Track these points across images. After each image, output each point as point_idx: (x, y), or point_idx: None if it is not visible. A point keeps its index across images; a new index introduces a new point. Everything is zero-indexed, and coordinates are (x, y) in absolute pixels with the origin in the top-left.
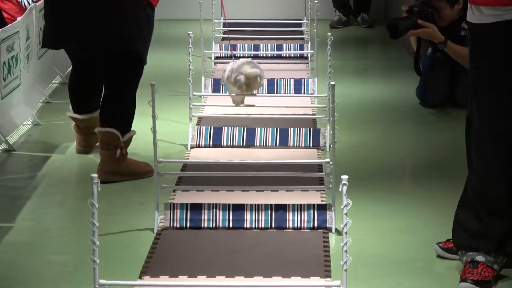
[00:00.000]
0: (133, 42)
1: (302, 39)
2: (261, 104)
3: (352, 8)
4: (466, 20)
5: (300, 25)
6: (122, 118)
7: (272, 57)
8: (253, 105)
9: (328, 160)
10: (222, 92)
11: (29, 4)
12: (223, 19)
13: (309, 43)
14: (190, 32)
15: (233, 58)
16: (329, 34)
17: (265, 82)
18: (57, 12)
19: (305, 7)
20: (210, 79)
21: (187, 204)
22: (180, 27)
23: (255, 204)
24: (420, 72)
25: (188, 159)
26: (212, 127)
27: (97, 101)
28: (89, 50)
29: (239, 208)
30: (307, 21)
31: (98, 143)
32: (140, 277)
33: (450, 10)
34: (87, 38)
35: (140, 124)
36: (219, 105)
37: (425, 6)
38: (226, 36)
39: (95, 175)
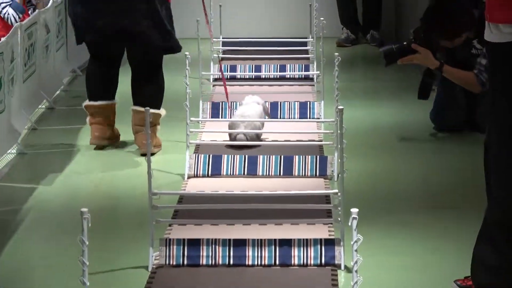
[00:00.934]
0: (172, 37)
1: (307, 59)
2: (264, 130)
3: (361, 25)
4: (480, 39)
5: (305, 43)
6: (159, 98)
7: (275, 79)
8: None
9: (336, 190)
10: (222, 117)
11: (15, 21)
12: (212, 39)
13: (315, 63)
14: (187, 53)
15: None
16: (337, 53)
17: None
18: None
19: (310, 25)
20: (208, 103)
21: (184, 239)
22: None
23: (257, 239)
24: (424, 95)
25: (185, 190)
26: (210, 155)
27: (114, 88)
28: (135, 44)
29: (240, 244)
30: (312, 39)
31: (134, 121)
32: None
33: (451, 43)
34: (134, 32)
35: (133, 152)
36: (219, 131)
37: (424, 32)
38: (218, 56)
39: (85, 209)
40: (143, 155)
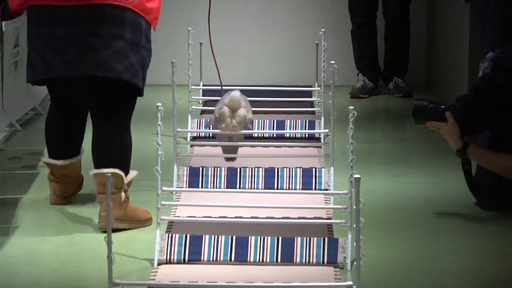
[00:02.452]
0: (135, 72)
1: (313, 113)
2: (256, 204)
3: (381, 71)
4: None
5: (309, 94)
6: (123, 157)
7: (271, 138)
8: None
9: (350, 283)
10: (202, 187)
11: None
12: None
13: (322, 119)
14: (158, 104)
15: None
16: (351, 107)
17: (251, 118)
18: (50, 41)
19: (317, 69)
20: (185, 168)
21: None
22: (145, 95)
23: None
24: (474, 188)
25: (154, 280)
26: (188, 236)
27: (78, 145)
28: (85, 77)
29: None
30: (319, 88)
31: (96, 189)
32: None
33: None
34: (85, 63)
35: (90, 232)
36: (198, 205)
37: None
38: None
39: None
40: (104, 231)
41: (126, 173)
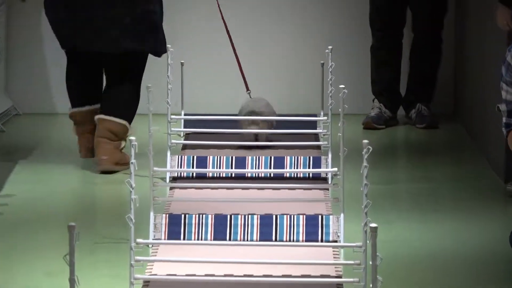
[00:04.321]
0: (149, 40)
1: (318, 148)
2: (250, 259)
3: (402, 97)
4: None
5: (314, 124)
6: (131, 110)
7: (268, 179)
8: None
9: None
10: (185, 238)
11: None
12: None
13: (330, 156)
14: (132, 138)
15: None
16: (365, 141)
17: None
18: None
19: (322, 95)
20: (163, 215)
21: None
22: None
23: None
24: None
25: None
26: None
27: (99, 92)
28: (108, 47)
29: None
30: (325, 118)
31: (97, 132)
32: None
33: None
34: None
35: None
36: (180, 261)
37: None
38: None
39: None
40: (103, 172)
41: (130, 123)
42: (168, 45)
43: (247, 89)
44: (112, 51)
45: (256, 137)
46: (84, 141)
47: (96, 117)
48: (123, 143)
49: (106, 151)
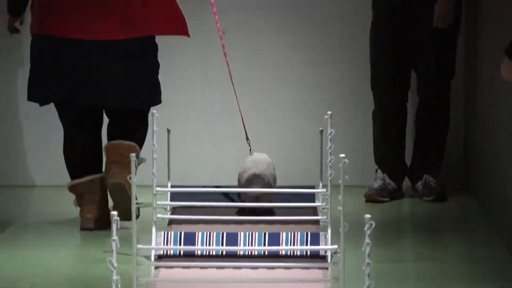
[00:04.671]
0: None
1: (317, 222)
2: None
3: (407, 167)
4: None
5: (312, 197)
6: (140, 133)
7: (262, 257)
8: None
9: None
10: None
11: None
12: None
13: (329, 231)
14: (113, 213)
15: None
16: (368, 215)
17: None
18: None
19: (321, 165)
20: None
21: None
22: None
23: None
24: None
25: None
26: None
27: (100, 161)
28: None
29: None
30: (324, 190)
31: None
32: None
33: None
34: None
35: None
36: None
37: None
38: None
39: None
40: (114, 184)
41: (140, 146)
42: (153, 111)
43: (248, 141)
44: (116, 107)
45: (257, 199)
46: (87, 211)
47: (105, 145)
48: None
49: (119, 174)
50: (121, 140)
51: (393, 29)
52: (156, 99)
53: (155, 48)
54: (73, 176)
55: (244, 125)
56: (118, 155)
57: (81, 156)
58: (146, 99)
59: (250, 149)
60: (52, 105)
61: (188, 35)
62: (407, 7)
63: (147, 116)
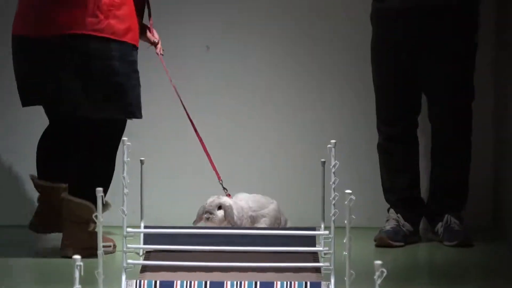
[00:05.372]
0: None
1: (318, 270)
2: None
3: (424, 204)
4: None
5: (312, 240)
6: (102, 185)
7: None
8: None
9: None
10: None
11: None
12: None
13: (333, 281)
14: (76, 257)
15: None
16: (378, 262)
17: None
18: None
19: (323, 203)
20: None
21: None
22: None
23: None
24: None
25: None
26: None
27: (65, 171)
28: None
29: None
30: (327, 232)
31: (65, 214)
32: None
33: None
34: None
35: None
36: None
37: None
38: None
39: None
40: (64, 257)
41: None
42: (124, 138)
43: (219, 178)
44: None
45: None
46: (41, 213)
47: (62, 195)
48: (91, 226)
49: (69, 234)
50: (77, 197)
51: (394, 44)
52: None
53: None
54: (40, 175)
55: (213, 164)
56: (71, 213)
57: (51, 159)
58: (117, 108)
59: (225, 190)
60: None
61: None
62: (409, 19)
63: (116, 151)
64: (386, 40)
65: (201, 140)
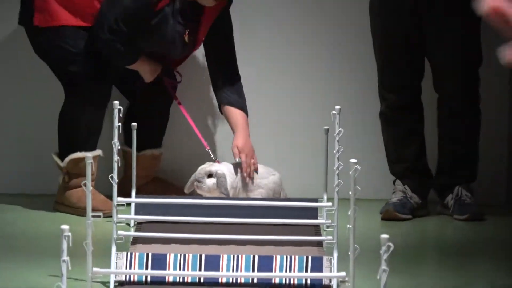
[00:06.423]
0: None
1: (319, 244)
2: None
3: (433, 175)
4: None
5: (314, 212)
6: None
7: (249, 286)
8: None
9: None
10: None
11: None
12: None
13: (335, 256)
14: (64, 227)
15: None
16: (384, 236)
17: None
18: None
19: (326, 173)
20: None
21: None
22: (46, 216)
23: None
24: None
25: None
26: None
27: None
28: None
29: None
30: (329, 204)
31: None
32: None
33: None
34: None
35: None
36: None
37: None
38: None
39: None
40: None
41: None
42: (115, 101)
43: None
44: None
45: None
46: (79, 194)
47: (144, 153)
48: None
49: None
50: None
51: (397, 6)
52: None
53: None
54: (75, 149)
55: (197, 130)
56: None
57: (87, 129)
58: None
59: (213, 157)
60: None
61: None
62: None
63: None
64: (388, 1)
65: (185, 112)
